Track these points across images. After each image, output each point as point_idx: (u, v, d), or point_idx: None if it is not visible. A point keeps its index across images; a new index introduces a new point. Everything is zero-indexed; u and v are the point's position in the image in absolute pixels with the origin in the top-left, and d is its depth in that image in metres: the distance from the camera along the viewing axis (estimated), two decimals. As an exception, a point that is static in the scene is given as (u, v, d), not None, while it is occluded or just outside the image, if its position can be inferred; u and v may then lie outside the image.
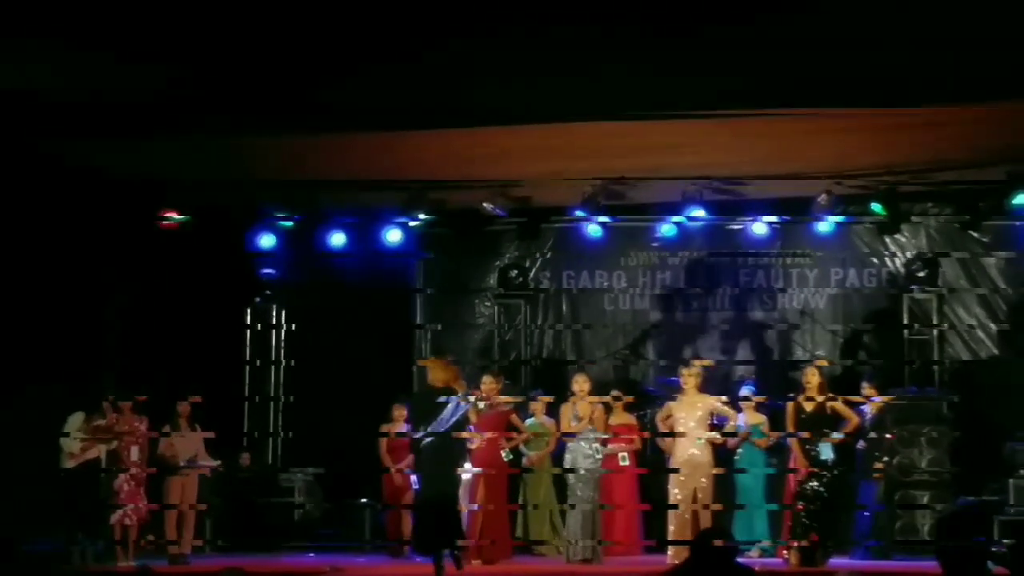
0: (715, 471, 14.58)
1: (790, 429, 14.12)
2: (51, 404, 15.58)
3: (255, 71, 13.38)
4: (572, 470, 14.78)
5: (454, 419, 13.98)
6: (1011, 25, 12.30)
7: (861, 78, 12.86)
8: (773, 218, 17.50)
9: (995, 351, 18.34)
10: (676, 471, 14.16)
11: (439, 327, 19.56)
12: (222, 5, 12.56)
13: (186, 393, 15.92)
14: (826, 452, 13.91)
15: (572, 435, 14.80)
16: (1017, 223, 17.35)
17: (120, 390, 15.71)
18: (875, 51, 12.63)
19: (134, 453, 15.35)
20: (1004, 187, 15.95)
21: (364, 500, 17.41)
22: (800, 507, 13.94)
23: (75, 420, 15.28)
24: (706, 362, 15.39)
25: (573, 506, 14.66)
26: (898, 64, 12.74)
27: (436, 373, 14.29)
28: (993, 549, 6.49)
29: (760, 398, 15.72)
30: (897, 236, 18.46)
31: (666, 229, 17.54)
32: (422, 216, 17.22)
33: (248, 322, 19.40)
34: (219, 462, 16.39)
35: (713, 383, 15.99)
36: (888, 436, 15.49)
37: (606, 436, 15.20)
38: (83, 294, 16.88)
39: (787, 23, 12.39)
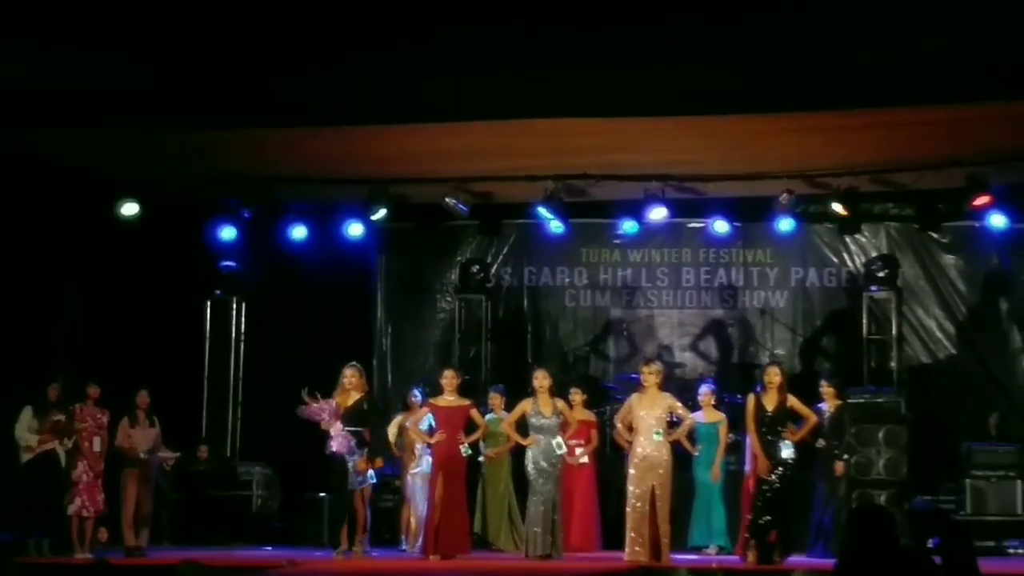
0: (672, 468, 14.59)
1: (751, 427, 14.13)
2: (5, 398, 15.50)
3: (215, 64, 13.35)
4: (534, 465, 14.74)
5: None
6: (971, 31, 12.39)
7: (822, 80, 12.92)
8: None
9: (953, 352, 18.45)
10: (634, 468, 14.14)
11: (400, 321, 19.60)
12: (186, 1, 12.54)
13: (143, 385, 15.84)
14: (786, 450, 13.94)
15: (541, 431, 14.74)
16: (976, 225, 17.47)
17: (71, 382, 15.61)
18: (836, 53, 12.70)
19: (96, 444, 15.25)
20: (963, 189, 16.05)
21: (322, 494, 17.36)
22: (759, 505, 13.95)
23: (25, 415, 15.18)
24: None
25: (533, 502, 14.63)
26: (859, 66, 12.82)
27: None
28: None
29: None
30: (857, 236, 18.55)
31: (628, 226, 17.57)
32: (383, 210, 17.19)
33: (207, 315, 19.31)
34: (177, 454, 16.32)
35: (671, 381, 16.03)
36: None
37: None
38: (38, 287, 16.79)
39: (749, 25, 12.46)
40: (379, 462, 14.83)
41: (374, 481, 15.22)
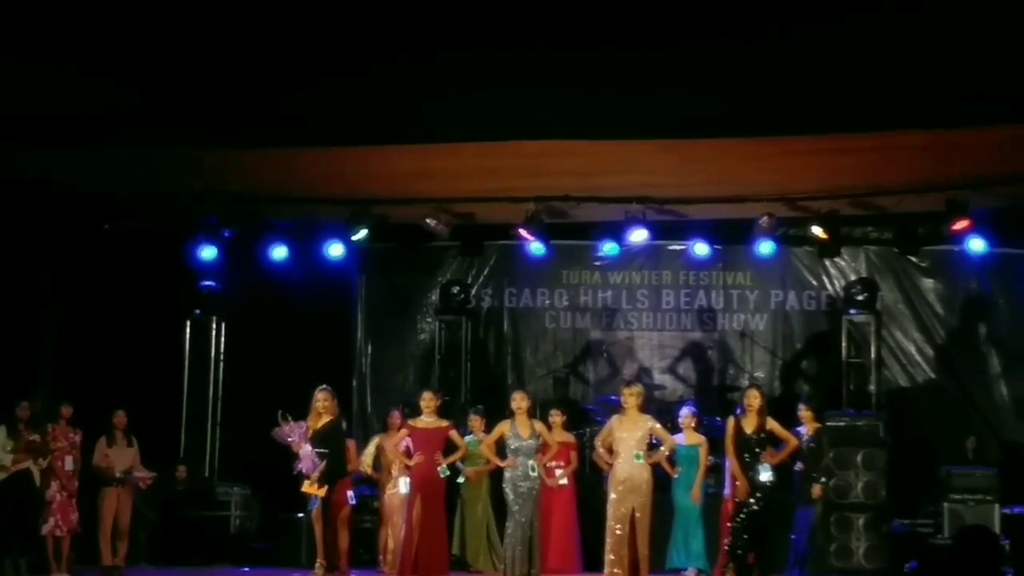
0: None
1: (730, 450, 14.12)
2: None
3: (196, 85, 13.34)
4: (511, 487, 14.72)
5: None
6: (951, 55, 12.44)
7: (803, 104, 12.95)
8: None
9: (932, 375, 18.49)
10: (614, 490, 14.12)
11: (380, 342, 19.58)
12: (170, 20, 12.52)
13: (122, 405, 15.80)
14: (765, 474, 13.93)
15: (518, 453, 14.71)
16: (955, 249, 17.53)
17: (49, 401, 15.56)
18: (817, 78, 12.74)
19: (68, 463, 15.20)
20: (943, 213, 16.11)
21: (300, 515, 17.30)
22: (738, 528, 13.94)
23: (0, 434, 15.14)
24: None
25: (511, 524, 14.61)
26: (840, 90, 12.86)
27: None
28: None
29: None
30: (837, 259, 18.57)
31: (608, 248, 17.57)
32: (364, 231, 17.16)
33: (187, 335, 19.24)
34: (154, 474, 16.26)
35: (651, 403, 16.02)
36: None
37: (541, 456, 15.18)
38: (16, 306, 16.74)
39: (731, 50, 12.49)
40: (322, 491, 14.63)
41: (354, 503, 15.18)
